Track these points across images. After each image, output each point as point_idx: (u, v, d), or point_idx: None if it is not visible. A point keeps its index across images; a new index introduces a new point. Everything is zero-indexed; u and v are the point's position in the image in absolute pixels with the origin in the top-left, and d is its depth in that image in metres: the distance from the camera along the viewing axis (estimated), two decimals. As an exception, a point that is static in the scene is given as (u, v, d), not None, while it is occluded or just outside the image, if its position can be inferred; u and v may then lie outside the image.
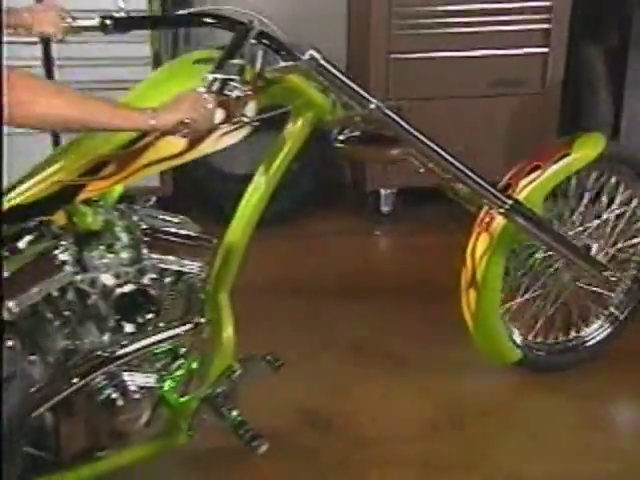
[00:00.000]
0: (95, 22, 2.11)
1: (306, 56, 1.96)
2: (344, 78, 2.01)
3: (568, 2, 3.46)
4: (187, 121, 1.77)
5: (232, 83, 1.80)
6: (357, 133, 2.22)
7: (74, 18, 2.12)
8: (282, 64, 1.98)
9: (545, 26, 3.48)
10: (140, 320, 2.04)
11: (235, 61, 1.86)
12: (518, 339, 2.67)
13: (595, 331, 2.77)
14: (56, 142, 3.56)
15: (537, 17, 3.45)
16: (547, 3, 3.45)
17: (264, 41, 1.97)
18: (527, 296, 2.66)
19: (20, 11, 2.10)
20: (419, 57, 3.48)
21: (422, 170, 2.37)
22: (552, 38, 3.51)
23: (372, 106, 2.06)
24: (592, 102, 3.68)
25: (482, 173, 2.32)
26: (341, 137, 2.19)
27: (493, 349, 2.65)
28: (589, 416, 2.60)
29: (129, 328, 2.03)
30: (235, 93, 1.80)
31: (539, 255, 2.62)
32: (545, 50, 3.54)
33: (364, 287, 3.25)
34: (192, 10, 2.10)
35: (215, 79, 1.79)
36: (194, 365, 2.19)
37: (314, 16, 3.63)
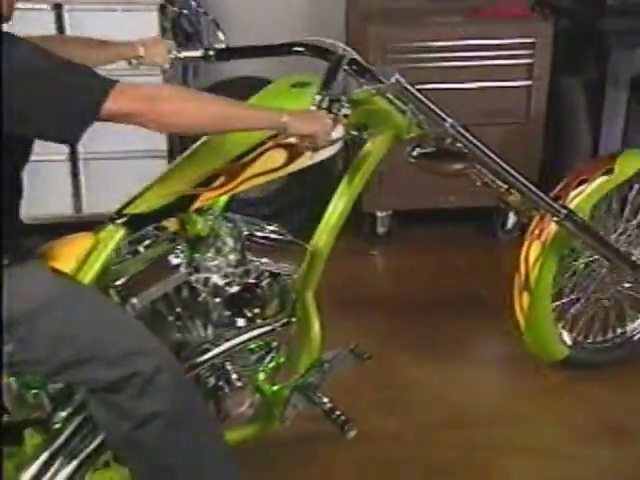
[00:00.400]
0: (198, 53, 2.35)
1: (392, 80, 2.17)
2: (424, 99, 2.23)
3: (549, 39, 3.67)
4: (313, 135, 1.99)
5: (340, 103, 2.02)
6: (427, 150, 2.42)
7: (179, 50, 2.35)
8: (369, 87, 2.19)
9: (528, 61, 3.68)
10: (243, 316, 2.24)
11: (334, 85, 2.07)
12: (566, 338, 2.88)
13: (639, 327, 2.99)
14: (75, 172, 3.79)
15: (521, 52, 3.66)
16: (530, 40, 3.65)
17: (353, 67, 2.18)
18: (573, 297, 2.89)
19: (135, 44, 2.33)
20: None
21: (478, 184, 2.58)
22: (535, 72, 3.70)
23: (447, 124, 2.27)
24: (572, 130, 3.91)
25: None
26: (414, 153, 2.39)
27: (542, 347, 2.86)
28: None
29: (234, 323, 2.24)
30: (343, 111, 2.02)
31: (583, 260, 2.84)
32: (529, 83, 3.73)
33: (360, 302, 3.43)
34: (288, 41, 2.31)
35: (323, 99, 2.01)
36: (283, 358, 2.39)
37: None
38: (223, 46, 2.34)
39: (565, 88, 3.86)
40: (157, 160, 3.72)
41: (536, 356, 2.89)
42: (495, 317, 2.99)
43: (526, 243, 2.75)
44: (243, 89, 2.34)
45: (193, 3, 2.35)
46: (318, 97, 2.02)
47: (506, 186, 2.57)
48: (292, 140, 2.08)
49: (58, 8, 3.53)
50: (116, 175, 3.65)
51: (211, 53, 2.33)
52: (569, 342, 2.89)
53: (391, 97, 2.27)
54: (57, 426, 2.06)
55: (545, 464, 2.54)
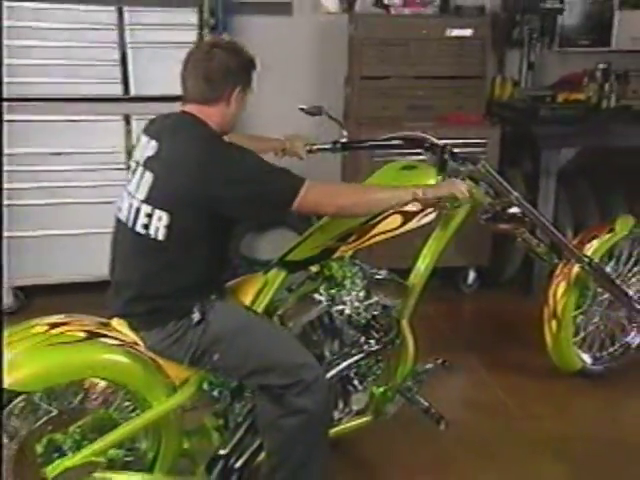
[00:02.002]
0: (328, 146, 2.86)
1: (479, 165, 2.67)
2: (499, 178, 2.72)
3: (497, 140, 4.27)
4: (449, 194, 2.44)
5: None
6: (490, 214, 2.86)
7: (313, 144, 2.86)
8: (463, 168, 2.65)
9: (482, 157, 4.17)
10: (365, 338, 2.70)
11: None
12: (581, 354, 3.43)
13: (633, 338, 3.57)
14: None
15: (477, 150, 4.12)
16: (483, 140, 4.23)
17: (451, 155, 2.66)
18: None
19: (281, 139, 2.82)
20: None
21: (519, 239, 3.05)
22: (487, 164, 4.30)
23: (513, 196, 2.76)
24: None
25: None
26: (484, 216, 2.82)
27: (564, 361, 3.42)
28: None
29: (358, 343, 2.70)
30: None
31: (591, 294, 3.37)
32: (482, 173, 4.31)
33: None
34: (396, 134, 2.79)
35: (444, 179, 2.51)
36: (385, 368, 2.85)
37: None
38: (346, 140, 2.84)
39: (509, 178, 4.26)
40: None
41: (559, 368, 3.41)
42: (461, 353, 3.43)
43: (554, 282, 3.30)
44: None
45: (324, 110, 2.82)
46: (440, 177, 2.52)
47: (537, 240, 3.05)
48: (406, 208, 2.55)
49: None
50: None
51: (338, 146, 2.82)
52: (584, 357, 3.42)
53: (482, 176, 2.71)
54: (238, 419, 2.55)
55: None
